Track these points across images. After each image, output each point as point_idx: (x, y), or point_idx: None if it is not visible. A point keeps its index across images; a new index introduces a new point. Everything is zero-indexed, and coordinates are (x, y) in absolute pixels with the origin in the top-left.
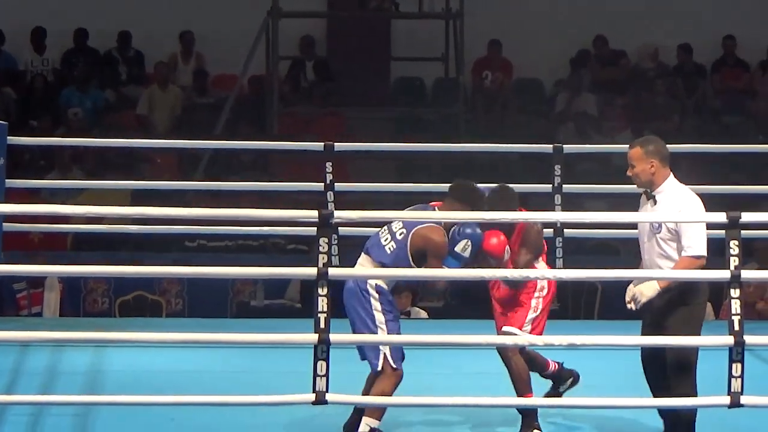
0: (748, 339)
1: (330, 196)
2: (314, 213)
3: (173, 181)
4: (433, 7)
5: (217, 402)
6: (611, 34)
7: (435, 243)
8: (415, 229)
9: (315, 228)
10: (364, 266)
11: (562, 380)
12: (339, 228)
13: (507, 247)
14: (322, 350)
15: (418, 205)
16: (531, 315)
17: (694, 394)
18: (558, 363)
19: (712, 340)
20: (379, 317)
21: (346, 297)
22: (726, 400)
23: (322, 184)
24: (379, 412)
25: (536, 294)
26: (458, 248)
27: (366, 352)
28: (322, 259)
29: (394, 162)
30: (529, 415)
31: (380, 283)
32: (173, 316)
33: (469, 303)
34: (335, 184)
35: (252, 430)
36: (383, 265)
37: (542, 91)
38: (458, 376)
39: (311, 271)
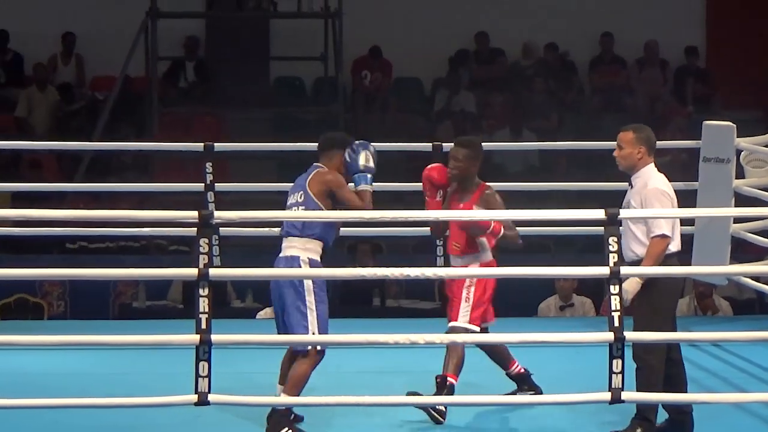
0: (629, 335)
1: (210, 196)
2: (194, 213)
3: (54, 182)
4: (311, 6)
5: (100, 404)
6: (491, 33)
7: (330, 178)
8: (307, 181)
9: (195, 229)
10: (291, 247)
11: (523, 385)
12: (220, 228)
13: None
14: (203, 351)
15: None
16: (464, 306)
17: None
18: (526, 369)
19: (592, 336)
20: (310, 298)
21: (273, 286)
22: (607, 396)
23: (203, 184)
24: (297, 390)
25: (466, 283)
26: (361, 162)
27: (295, 331)
28: (203, 259)
29: (274, 162)
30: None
31: (311, 255)
32: (55, 318)
33: (347, 302)
34: (216, 184)
35: (135, 431)
36: (290, 236)
37: (421, 90)
38: (339, 375)
39: (192, 272)
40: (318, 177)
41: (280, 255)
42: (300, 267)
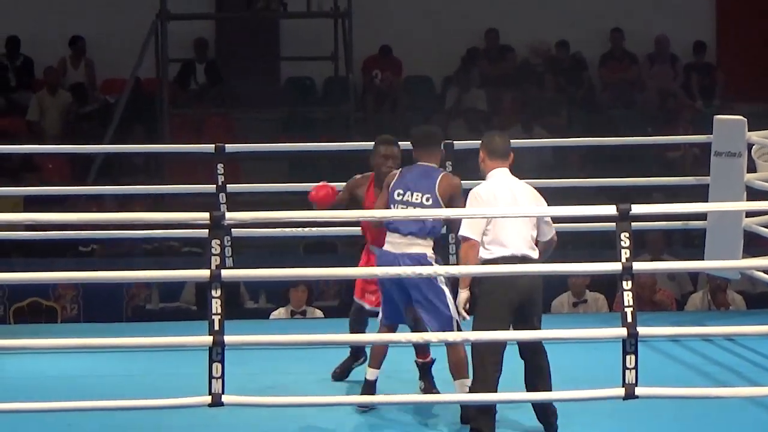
0: (642, 330)
1: (222, 197)
2: (206, 215)
3: (66, 186)
4: (320, 6)
5: (114, 406)
6: (500, 30)
7: (457, 183)
8: (437, 185)
9: (207, 230)
10: (394, 242)
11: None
12: (232, 229)
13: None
14: (216, 352)
15: (412, 169)
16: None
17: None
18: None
19: (605, 333)
20: (449, 293)
21: (398, 290)
22: (621, 391)
23: (214, 186)
24: (467, 370)
25: None
26: None
27: (436, 326)
28: (215, 261)
29: (286, 162)
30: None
31: (431, 255)
32: (69, 321)
33: None
34: (227, 185)
35: None
36: (413, 235)
37: (432, 88)
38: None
39: (204, 273)
40: (447, 181)
41: (400, 252)
42: (430, 264)
